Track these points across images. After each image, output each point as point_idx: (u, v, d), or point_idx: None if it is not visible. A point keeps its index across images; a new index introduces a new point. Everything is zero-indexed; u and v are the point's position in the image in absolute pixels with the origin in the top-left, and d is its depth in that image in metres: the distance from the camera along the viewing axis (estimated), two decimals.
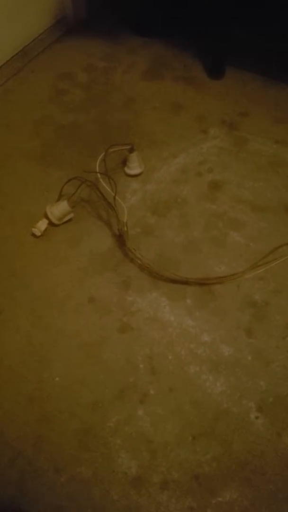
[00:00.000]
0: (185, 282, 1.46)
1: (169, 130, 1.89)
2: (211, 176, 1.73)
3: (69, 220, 1.61)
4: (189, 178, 1.73)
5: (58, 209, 1.57)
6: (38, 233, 1.56)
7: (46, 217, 1.57)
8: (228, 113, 1.92)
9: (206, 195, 1.68)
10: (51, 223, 1.58)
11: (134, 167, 1.72)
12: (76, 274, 1.51)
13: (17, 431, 1.25)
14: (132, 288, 1.48)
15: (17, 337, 1.39)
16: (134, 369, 1.33)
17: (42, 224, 1.57)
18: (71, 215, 1.60)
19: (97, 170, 1.59)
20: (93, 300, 1.45)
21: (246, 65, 2.07)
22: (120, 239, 1.56)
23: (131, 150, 1.67)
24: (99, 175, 1.60)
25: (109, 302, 1.45)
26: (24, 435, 1.24)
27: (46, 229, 1.58)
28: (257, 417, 1.25)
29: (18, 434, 1.24)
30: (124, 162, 1.74)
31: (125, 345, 1.38)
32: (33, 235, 1.57)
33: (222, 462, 1.20)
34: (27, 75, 2.11)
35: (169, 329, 1.40)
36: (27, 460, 1.21)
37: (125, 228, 1.52)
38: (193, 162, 1.78)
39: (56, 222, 1.57)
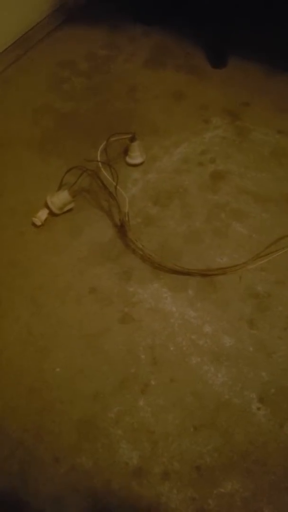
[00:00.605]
0: (187, 273, 1.45)
1: (171, 119, 1.87)
2: (213, 167, 1.71)
3: (70, 210, 1.59)
4: (191, 168, 1.71)
5: (59, 199, 1.55)
6: (38, 223, 1.55)
7: (47, 206, 1.56)
8: (231, 103, 1.90)
9: (209, 185, 1.66)
10: (51, 213, 1.56)
11: (136, 157, 1.70)
12: (77, 264, 1.49)
13: (17, 421, 1.24)
14: (133, 279, 1.46)
15: (17, 327, 1.38)
16: (135, 360, 1.32)
17: (43, 214, 1.55)
18: (72, 204, 1.59)
19: (99, 159, 1.58)
20: (94, 291, 1.44)
21: (249, 54, 2.04)
22: (122, 229, 1.54)
23: (132, 139, 1.65)
24: (100, 164, 1.58)
25: (110, 292, 1.44)
26: (24, 425, 1.23)
27: (46, 219, 1.56)
28: (258, 408, 1.24)
29: (18, 424, 1.24)
30: (125, 152, 1.72)
31: (126, 335, 1.37)
32: (33, 224, 1.56)
33: (223, 453, 1.19)
34: (26, 63, 2.08)
35: (171, 320, 1.39)
36: (28, 451, 1.20)
37: (127, 218, 1.51)
38: (195, 152, 1.76)
39: (56, 211, 1.56)
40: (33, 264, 1.50)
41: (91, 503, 1.15)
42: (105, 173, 1.57)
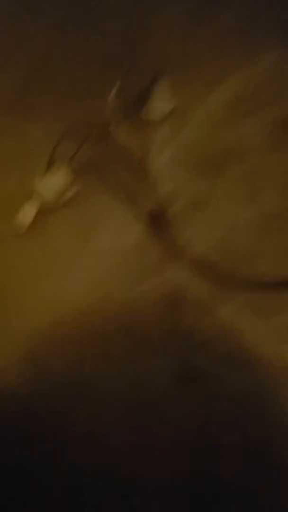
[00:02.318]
0: (278, 286, 0.91)
1: (198, 47, 1.26)
2: (277, 111, 1.14)
3: (71, 199, 1.01)
4: (245, 115, 1.14)
5: (52, 182, 0.98)
6: (24, 224, 0.97)
7: (34, 198, 0.98)
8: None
9: (277, 140, 1.10)
10: (43, 207, 0.99)
11: (159, 107, 1.11)
12: (95, 289, 0.93)
13: None
14: (186, 305, 0.92)
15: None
16: None
17: (29, 210, 0.97)
18: (73, 190, 1.01)
19: (110, 109, 0.98)
20: (129, 332, 0.89)
21: None
22: (156, 223, 0.98)
23: (154, 80, 1.06)
24: (113, 119, 0.99)
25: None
26: None
27: (36, 218, 0.98)
28: None
29: None
30: (141, 101, 1.12)
31: None
32: (17, 230, 0.98)
33: None
34: None
35: None
36: None
37: (164, 204, 0.95)
38: (245, 92, 1.18)
39: (50, 203, 0.98)
40: (23, 293, 0.93)
41: None
42: (122, 134, 0.98)
